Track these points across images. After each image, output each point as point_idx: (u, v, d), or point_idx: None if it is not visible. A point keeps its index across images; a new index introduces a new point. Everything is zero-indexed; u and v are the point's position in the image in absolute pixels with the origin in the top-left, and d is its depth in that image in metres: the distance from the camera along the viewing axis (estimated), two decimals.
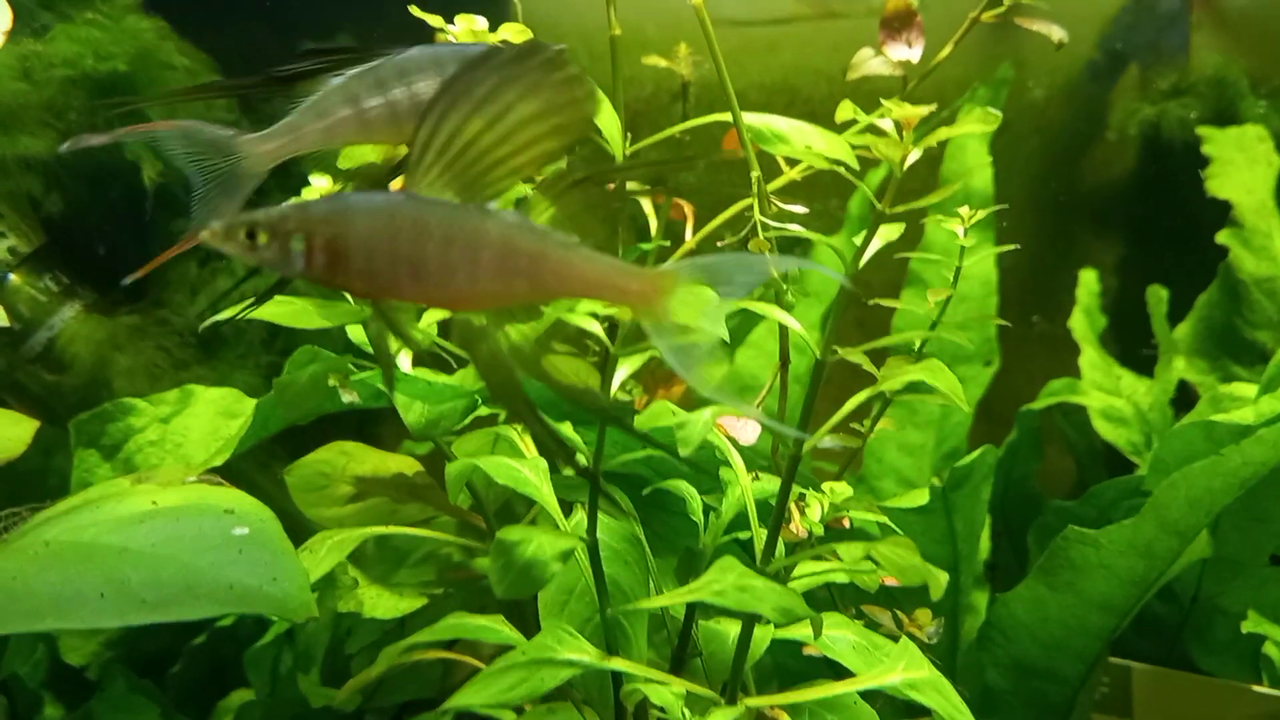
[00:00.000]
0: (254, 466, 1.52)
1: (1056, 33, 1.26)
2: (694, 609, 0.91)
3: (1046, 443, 1.75)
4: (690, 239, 1.41)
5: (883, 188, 0.76)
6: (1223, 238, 1.66)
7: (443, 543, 1.28)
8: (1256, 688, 1.34)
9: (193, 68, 1.60)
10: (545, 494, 0.78)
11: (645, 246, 1.23)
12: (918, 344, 1.12)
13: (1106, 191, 2.07)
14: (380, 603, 1.18)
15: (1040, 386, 1.76)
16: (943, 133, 0.71)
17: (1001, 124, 2.04)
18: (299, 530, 1.27)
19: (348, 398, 0.84)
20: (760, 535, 0.80)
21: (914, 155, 0.73)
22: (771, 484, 0.94)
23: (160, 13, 1.71)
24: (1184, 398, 1.63)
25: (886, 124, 0.72)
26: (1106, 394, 1.58)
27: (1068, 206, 2.08)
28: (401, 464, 1.24)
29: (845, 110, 0.73)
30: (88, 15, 1.52)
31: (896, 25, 1.30)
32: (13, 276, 1.45)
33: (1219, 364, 1.63)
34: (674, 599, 0.75)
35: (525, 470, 0.79)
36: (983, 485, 1.27)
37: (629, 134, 1.24)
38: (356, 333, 1.06)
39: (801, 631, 0.86)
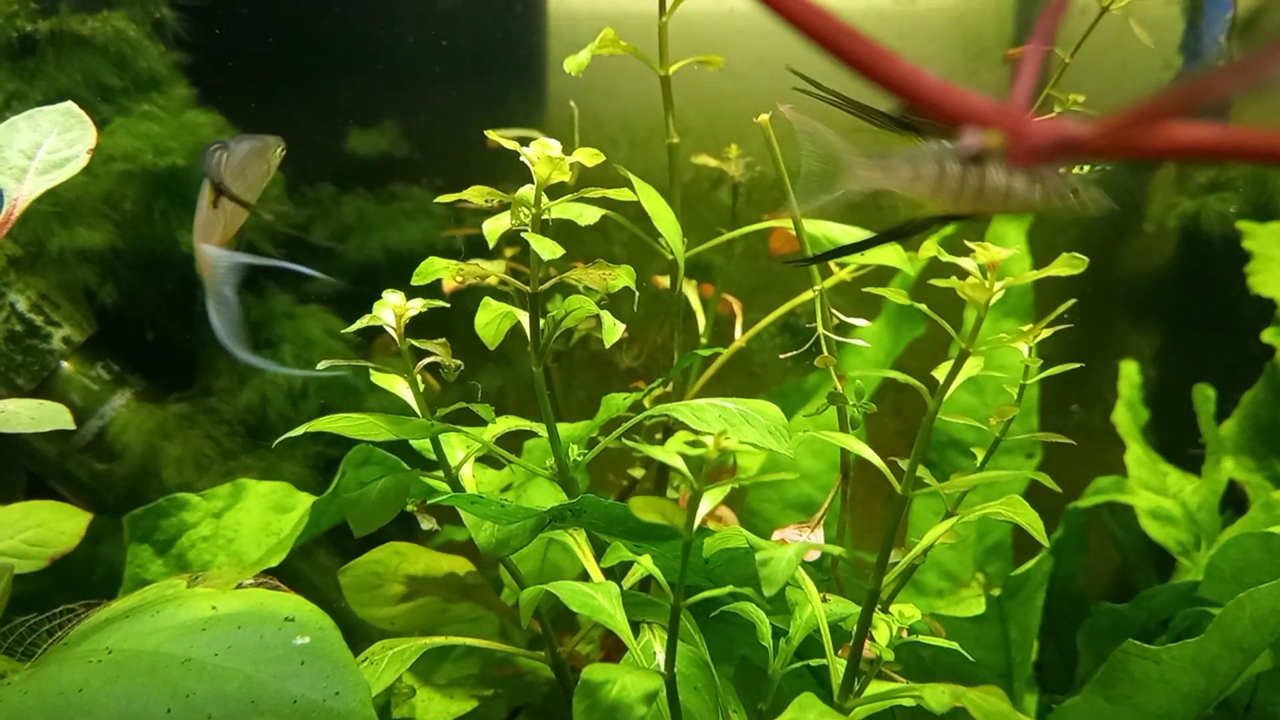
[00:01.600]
0: (298, 555, 1.52)
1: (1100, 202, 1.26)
2: None
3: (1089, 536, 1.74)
4: (740, 336, 1.42)
5: (974, 327, 0.76)
6: (1269, 336, 1.65)
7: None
8: None
9: None
10: (619, 621, 0.78)
11: (701, 352, 1.23)
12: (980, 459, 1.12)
13: (1145, 282, 2.07)
14: (431, 707, 1.17)
15: (1080, 476, 1.75)
16: (1029, 275, 0.72)
17: (1039, 214, 2.06)
18: (346, 622, 1.27)
19: (428, 525, 0.84)
20: (837, 666, 0.80)
21: (999, 292, 0.73)
22: (840, 606, 0.93)
23: (214, 105, 1.74)
24: (1231, 495, 1.62)
25: (969, 263, 0.72)
26: (1153, 492, 1.57)
27: (1106, 296, 2.09)
28: (453, 564, 1.24)
29: (929, 249, 0.74)
30: (145, 108, 1.55)
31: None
32: (66, 365, 1.47)
33: (1266, 463, 1.62)
34: None
35: (599, 597, 0.79)
36: (1037, 593, 1.26)
37: (688, 238, 1.26)
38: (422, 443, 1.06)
39: None
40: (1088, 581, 1.72)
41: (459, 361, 0.94)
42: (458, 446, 1.01)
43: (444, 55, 2.09)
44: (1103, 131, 0.35)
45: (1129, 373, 1.83)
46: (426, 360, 0.93)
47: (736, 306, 1.45)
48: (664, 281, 1.42)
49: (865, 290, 2.09)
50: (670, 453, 0.69)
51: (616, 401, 1.06)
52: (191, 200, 1.55)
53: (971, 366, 0.80)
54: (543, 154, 0.85)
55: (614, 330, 0.88)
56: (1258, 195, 1.89)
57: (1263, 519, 1.37)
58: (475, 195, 0.89)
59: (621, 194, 0.93)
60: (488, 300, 1.02)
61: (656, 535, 0.86)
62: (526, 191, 0.92)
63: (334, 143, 2.00)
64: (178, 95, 1.60)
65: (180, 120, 1.51)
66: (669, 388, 1.23)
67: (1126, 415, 1.74)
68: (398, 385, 0.94)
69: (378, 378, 0.96)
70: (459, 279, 0.91)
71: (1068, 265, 0.73)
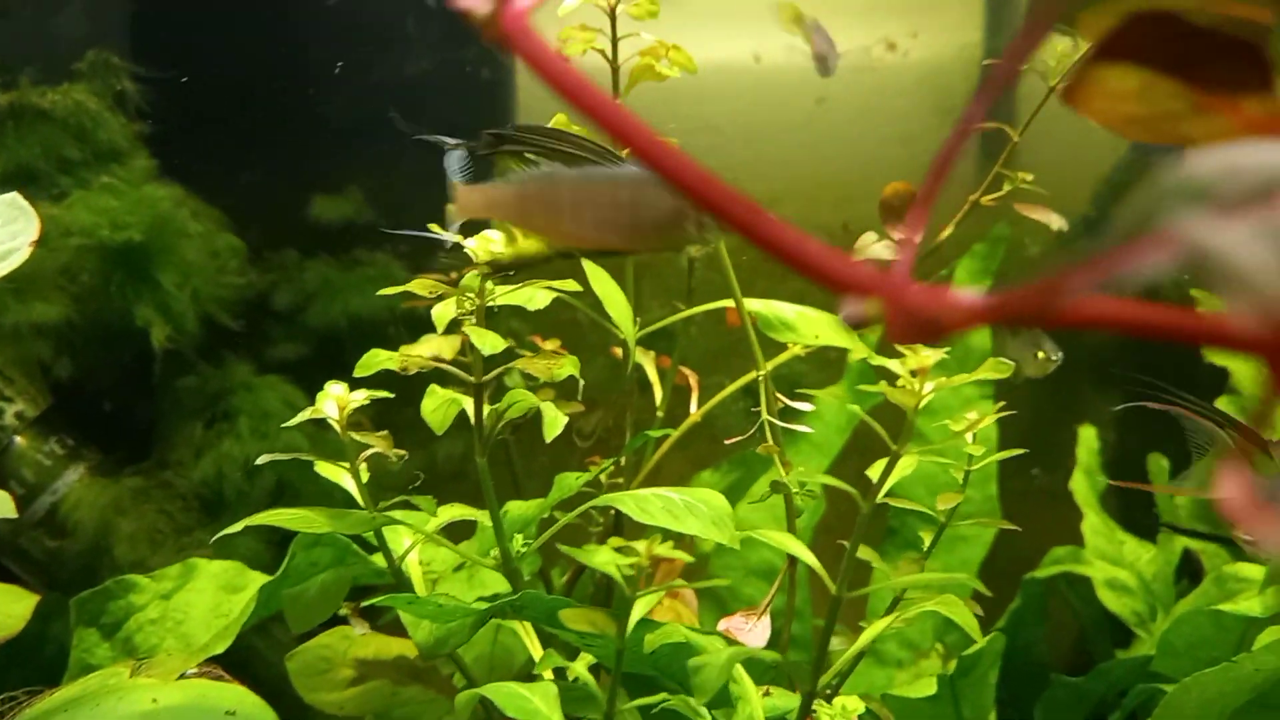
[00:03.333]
0: (254, 633, 1.51)
1: (1055, 221, 1.29)
2: None
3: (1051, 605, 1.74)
4: (695, 411, 1.43)
5: (905, 432, 0.77)
6: (1221, 404, 1.67)
7: None
8: None
9: (207, 231, 1.63)
10: None
11: (652, 434, 1.24)
12: (926, 543, 1.12)
13: (1107, 346, 2.09)
14: None
15: (1041, 541, 1.75)
16: (945, 381, 0.73)
17: (999, 278, 2.08)
18: (299, 704, 1.25)
19: (360, 630, 0.83)
20: None
21: (929, 394, 0.74)
22: (783, 700, 0.93)
23: (175, 172, 1.75)
24: (1187, 564, 1.63)
25: (898, 367, 0.73)
26: (1109, 561, 1.58)
27: (1069, 359, 2.10)
28: (403, 646, 1.23)
29: (860, 350, 0.75)
30: (104, 180, 1.56)
31: (895, 207, 1.34)
32: (19, 440, 1.46)
33: (1222, 530, 1.63)
34: None
35: (535, 699, 0.79)
36: (990, 670, 1.26)
37: (639, 318, 1.26)
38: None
39: None
40: (1048, 651, 1.72)
41: (403, 452, 0.94)
42: (404, 536, 1.01)
43: (411, 123, 2.10)
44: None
45: (1087, 438, 1.84)
46: (370, 451, 0.93)
47: (693, 379, 1.45)
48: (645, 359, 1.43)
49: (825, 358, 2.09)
50: (606, 563, 0.69)
51: (569, 481, 1.07)
52: (148, 274, 1.56)
53: (905, 465, 0.80)
54: (484, 244, 0.86)
55: (556, 423, 0.88)
56: None
57: (1215, 593, 1.38)
58: (420, 288, 0.90)
59: (567, 284, 0.94)
60: (433, 388, 1.02)
61: (593, 639, 0.86)
62: (472, 279, 0.92)
63: (298, 209, 2.00)
64: (138, 167, 1.61)
65: (139, 193, 1.51)
66: (622, 464, 1.23)
67: (1084, 482, 1.75)
68: (342, 477, 0.94)
69: (321, 468, 0.96)
70: (404, 367, 0.91)
71: (994, 370, 0.74)
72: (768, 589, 1.79)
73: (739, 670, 0.85)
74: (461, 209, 0.84)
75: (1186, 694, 1.06)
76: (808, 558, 0.77)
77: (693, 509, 0.92)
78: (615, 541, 0.69)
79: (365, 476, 0.95)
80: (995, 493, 1.78)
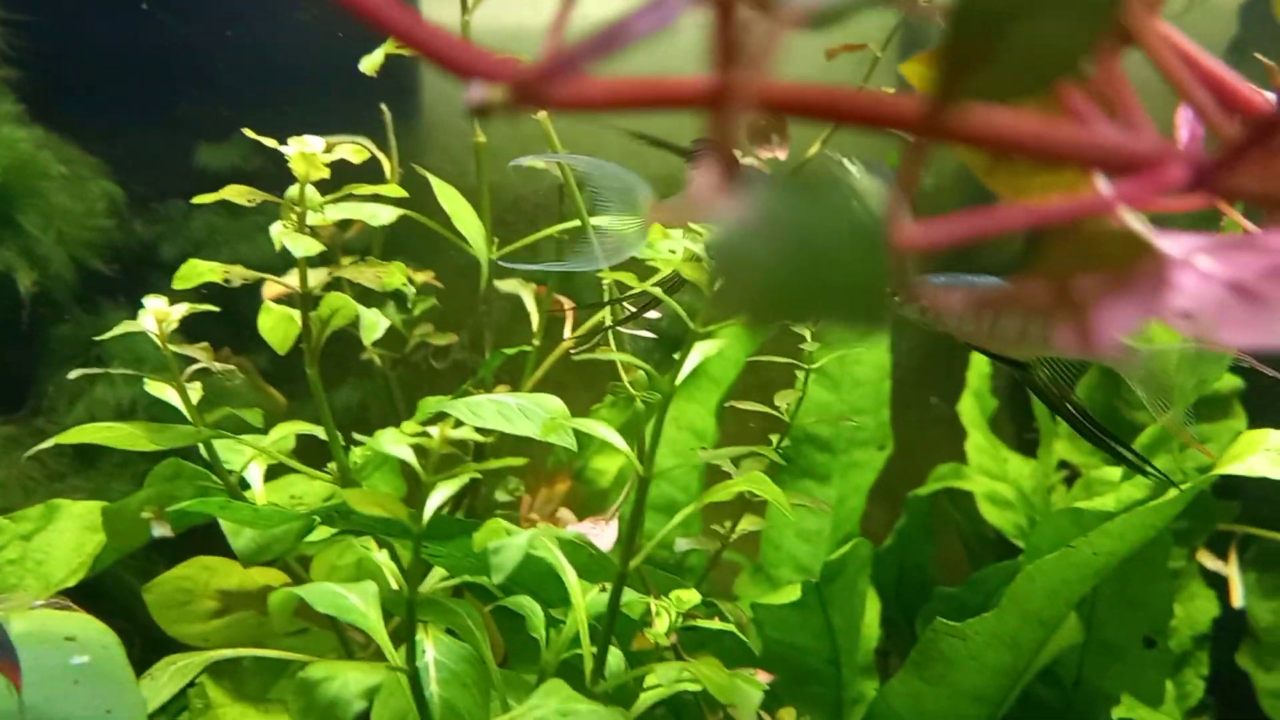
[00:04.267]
0: (138, 576, 1.49)
1: None
2: None
3: (943, 529, 1.77)
4: (569, 336, 1.42)
5: (694, 307, 0.77)
6: None
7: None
8: None
9: (75, 175, 1.60)
10: (373, 622, 0.77)
11: (507, 351, 1.24)
12: (776, 441, 1.13)
13: (998, 273, 2.11)
14: None
15: (936, 468, 1.78)
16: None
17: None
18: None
19: (159, 531, 0.83)
20: (590, 653, 0.80)
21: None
22: (625, 595, 0.94)
23: (48, 119, 1.71)
24: (1073, 479, 1.65)
25: (695, 245, 0.73)
26: (992, 478, 1.60)
27: None
28: (268, 577, 1.22)
29: (657, 234, 0.75)
30: None
31: (761, 127, 1.34)
32: None
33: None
34: None
35: (352, 597, 0.78)
36: (858, 578, 1.27)
37: (495, 239, 1.26)
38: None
39: None
40: (941, 574, 1.75)
41: (230, 366, 0.93)
42: (250, 456, 0.99)
43: (303, 70, 2.07)
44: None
45: (978, 363, 1.87)
46: (196, 366, 0.92)
47: (568, 306, 1.45)
48: (505, 286, 1.42)
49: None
50: (398, 443, 0.69)
51: (431, 404, 1.06)
52: (8, 217, 1.53)
53: (708, 349, 0.80)
54: (300, 151, 0.85)
55: (373, 328, 0.87)
56: None
57: (1082, 496, 1.40)
58: (236, 195, 0.88)
59: (392, 189, 0.93)
60: (267, 305, 1.00)
61: (428, 534, 0.86)
62: (293, 190, 0.91)
63: (183, 158, 1.96)
64: (1, 111, 1.57)
65: None
66: (483, 388, 1.23)
67: (973, 405, 1.77)
68: (167, 392, 0.93)
69: (150, 385, 0.94)
70: (227, 280, 0.90)
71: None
72: (666, 522, 1.80)
73: (564, 565, 0.85)
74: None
75: (1031, 583, 1.08)
76: (614, 438, 0.77)
77: (527, 412, 0.92)
78: (409, 426, 0.69)
79: (197, 393, 0.94)
80: (888, 419, 1.79)
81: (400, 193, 0.95)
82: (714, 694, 0.71)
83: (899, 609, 1.67)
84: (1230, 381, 1.57)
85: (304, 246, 0.84)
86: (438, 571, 1.10)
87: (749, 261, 0.22)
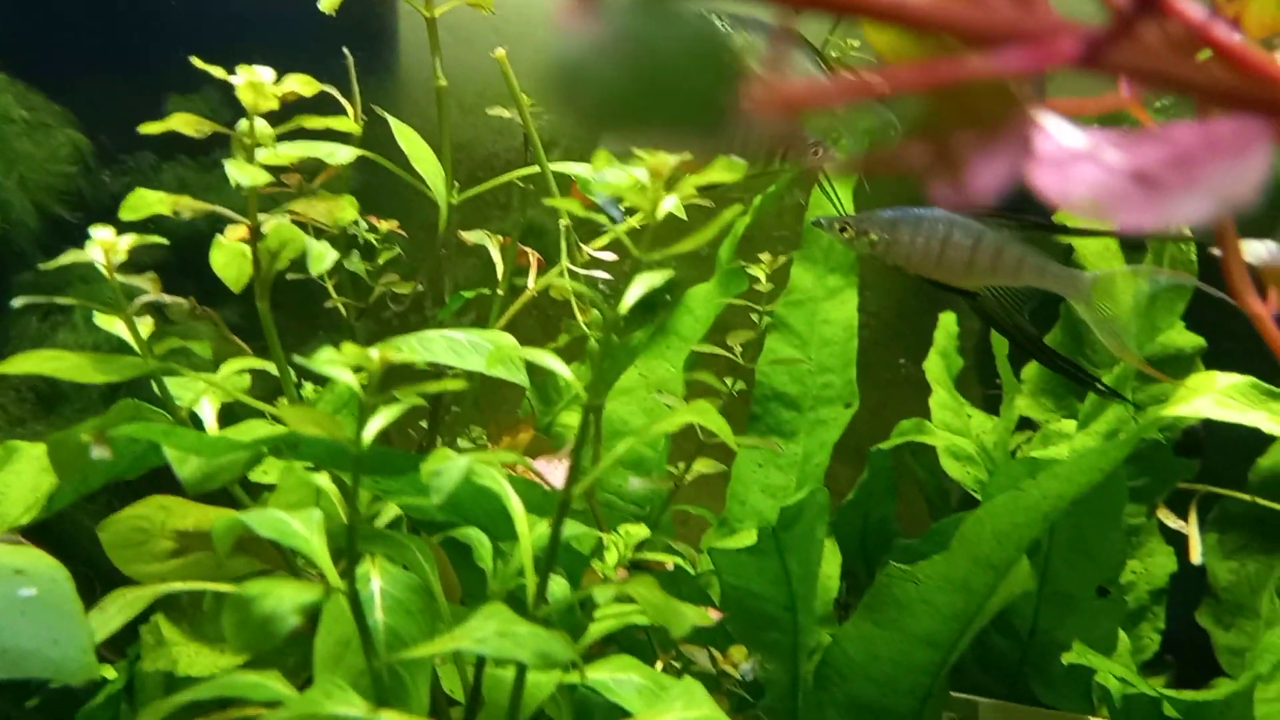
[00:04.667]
0: (98, 512, 1.49)
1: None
2: (483, 659, 0.90)
3: (907, 486, 1.78)
4: (532, 285, 1.42)
5: (640, 234, 0.77)
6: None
7: None
8: (1091, 719, 1.37)
9: (34, 119, 1.58)
10: (316, 547, 0.78)
11: (465, 294, 1.24)
12: (731, 384, 1.13)
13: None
14: (198, 660, 1.15)
15: None
16: (693, 180, 0.73)
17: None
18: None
19: (99, 453, 0.82)
20: (533, 580, 0.80)
21: (669, 202, 0.74)
22: (571, 528, 0.94)
23: (12, 68, 1.70)
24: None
25: (640, 172, 0.73)
26: (955, 433, 1.61)
27: None
28: (217, 513, 1.22)
29: (601, 160, 0.75)
30: None
31: None
32: None
33: (1065, 402, 1.67)
34: (432, 649, 0.74)
35: (295, 523, 0.78)
36: (816, 525, 1.28)
37: (456, 183, 1.25)
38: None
39: (591, 676, 0.86)
40: (905, 530, 1.76)
41: (182, 301, 0.92)
42: (200, 390, 0.99)
43: (275, 22, 2.05)
44: None
45: (946, 323, 1.87)
46: (145, 299, 0.91)
47: (533, 257, 1.45)
48: (470, 237, 1.42)
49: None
50: (334, 363, 0.69)
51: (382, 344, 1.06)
52: None
53: (654, 279, 0.80)
54: (248, 80, 0.84)
55: (321, 259, 0.87)
56: None
57: (1040, 448, 1.42)
58: (184, 125, 0.88)
59: (345, 124, 0.92)
60: (218, 239, 1.00)
61: (371, 465, 0.86)
62: (243, 122, 0.90)
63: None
64: None
65: None
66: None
67: (939, 363, 1.78)
68: (116, 325, 0.92)
69: (99, 318, 0.94)
70: (176, 212, 0.89)
71: (726, 172, 0.74)
72: (630, 475, 1.80)
73: (509, 496, 0.85)
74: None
75: (980, 526, 1.09)
76: (563, 371, 0.77)
77: (477, 347, 0.92)
78: (350, 346, 0.68)
79: (147, 327, 0.94)
80: (854, 377, 1.80)
81: (354, 129, 0.94)
82: (649, 614, 0.71)
83: (862, 563, 1.68)
84: (1192, 340, 1.58)
85: (250, 176, 0.83)
86: (391, 508, 1.10)
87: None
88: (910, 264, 1.14)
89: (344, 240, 1.41)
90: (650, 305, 2.14)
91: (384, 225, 1.39)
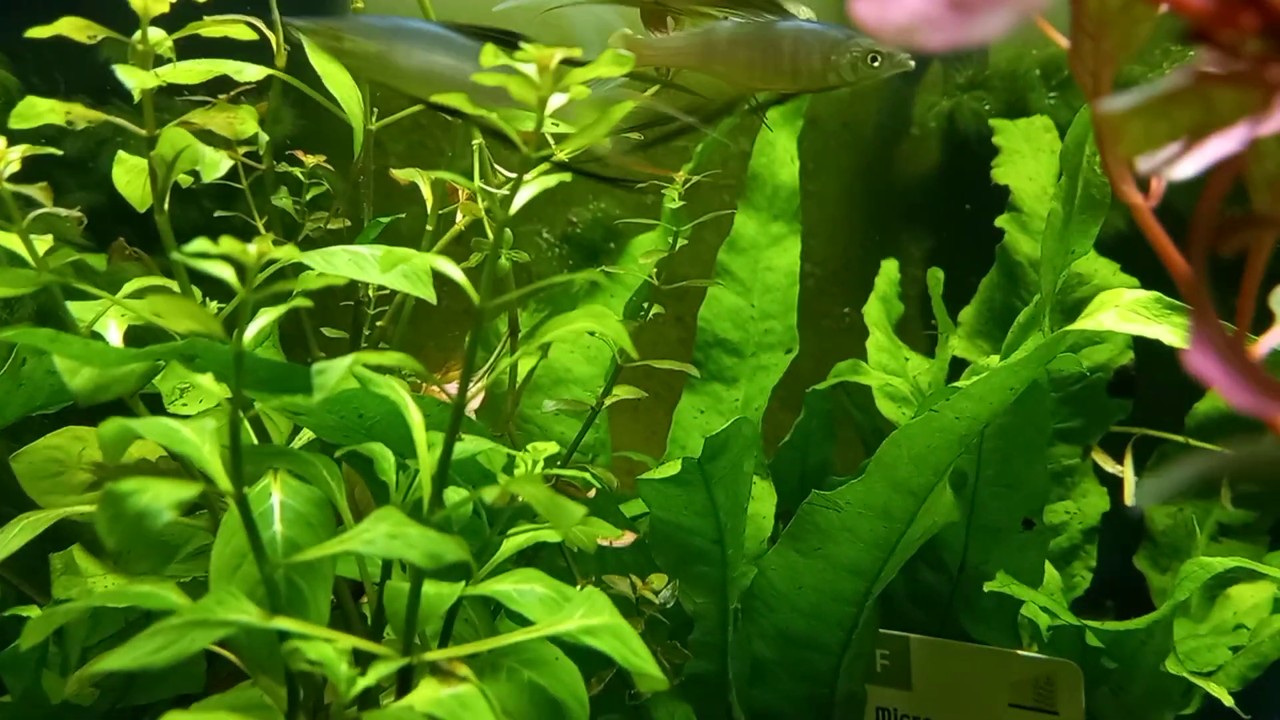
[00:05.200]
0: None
1: (804, 12, 1.29)
2: (387, 573, 0.90)
3: (847, 433, 1.79)
4: (460, 220, 1.41)
5: (530, 136, 0.75)
6: (1001, 221, 1.71)
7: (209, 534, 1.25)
8: (1021, 652, 1.38)
9: None
10: (207, 455, 0.76)
11: (382, 220, 1.22)
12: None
13: (912, 184, 2.12)
14: (119, 591, 1.14)
15: None
16: (578, 74, 0.72)
17: (810, 119, 2.07)
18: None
19: None
20: (428, 489, 0.80)
21: (557, 99, 0.73)
22: (474, 443, 0.94)
23: None
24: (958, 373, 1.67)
25: (528, 68, 0.72)
26: (890, 374, 1.61)
27: (877, 200, 2.13)
28: (144, 449, 1.21)
29: (488, 55, 0.73)
30: None
31: (658, 13, 1.33)
32: None
33: (999, 345, 1.67)
34: (320, 551, 0.73)
35: (185, 430, 0.77)
36: (743, 457, 1.28)
37: (376, 109, 1.24)
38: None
39: (493, 587, 0.86)
40: (844, 473, 1.77)
41: (77, 214, 0.91)
42: (102, 308, 0.98)
43: None
44: None
45: (888, 269, 1.88)
46: (41, 211, 0.90)
47: (462, 192, 1.43)
48: (402, 175, 1.40)
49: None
50: (213, 261, 0.67)
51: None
52: None
53: (545, 181, 0.79)
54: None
55: (215, 165, 0.86)
56: (1010, 94, 1.95)
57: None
58: (73, 30, 0.86)
59: (239, 30, 0.91)
60: (120, 155, 0.98)
61: (271, 380, 0.85)
62: (137, 37, 0.89)
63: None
64: None
65: None
66: None
67: (878, 308, 1.78)
68: (14, 243, 0.91)
69: None
70: (69, 120, 0.87)
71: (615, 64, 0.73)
72: (578, 426, 1.79)
73: (410, 411, 0.84)
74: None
75: (897, 449, 1.09)
76: (459, 276, 0.76)
77: (381, 260, 0.91)
78: (227, 239, 0.67)
79: (45, 243, 0.92)
80: (794, 323, 1.80)
81: (249, 34, 0.92)
82: (534, 508, 0.71)
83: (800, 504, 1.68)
84: (1108, 264, 1.60)
85: (139, 80, 0.82)
86: (307, 434, 1.09)
87: None
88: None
89: (272, 178, 1.39)
90: (593, 253, 2.13)
91: (310, 160, 1.37)
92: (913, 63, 1.08)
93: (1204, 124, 0.49)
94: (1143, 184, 0.64)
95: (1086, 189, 1.03)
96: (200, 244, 0.65)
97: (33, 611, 1.27)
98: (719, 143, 1.92)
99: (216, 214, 1.39)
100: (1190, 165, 0.51)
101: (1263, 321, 0.67)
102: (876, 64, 1.05)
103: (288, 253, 0.70)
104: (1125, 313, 0.91)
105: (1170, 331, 0.89)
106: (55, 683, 1.23)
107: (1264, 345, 0.65)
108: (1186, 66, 0.47)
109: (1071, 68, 0.64)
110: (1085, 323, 0.93)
